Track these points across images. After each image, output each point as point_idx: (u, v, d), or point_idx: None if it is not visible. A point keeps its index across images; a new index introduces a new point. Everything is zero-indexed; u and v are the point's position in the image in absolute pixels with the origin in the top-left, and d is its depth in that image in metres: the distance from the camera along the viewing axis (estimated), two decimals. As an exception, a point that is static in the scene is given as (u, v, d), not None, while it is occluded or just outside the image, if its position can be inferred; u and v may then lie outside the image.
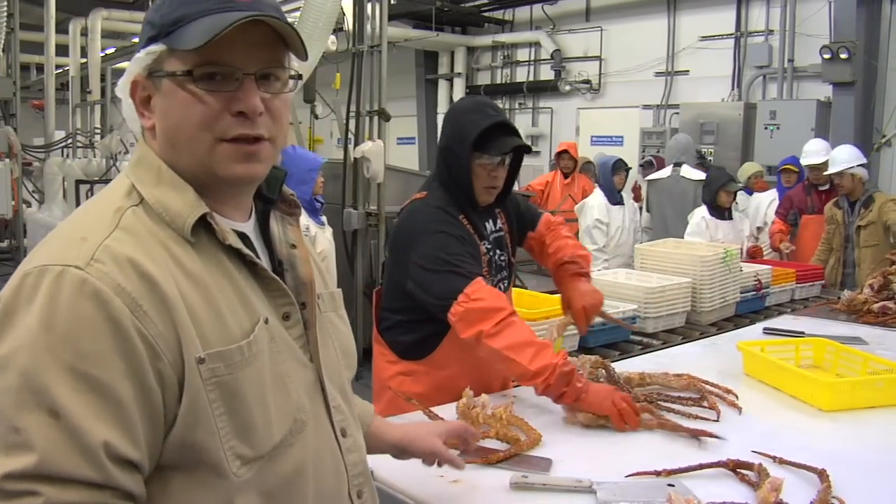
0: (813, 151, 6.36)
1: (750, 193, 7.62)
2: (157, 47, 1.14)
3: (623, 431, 2.19)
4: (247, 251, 1.16)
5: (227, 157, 1.14)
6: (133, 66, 1.16)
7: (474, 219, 2.57)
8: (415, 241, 2.48)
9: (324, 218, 5.18)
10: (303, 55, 1.20)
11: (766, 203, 6.82)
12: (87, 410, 0.95)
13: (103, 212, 1.10)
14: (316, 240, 4.70)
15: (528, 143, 2.59)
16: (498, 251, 2.66)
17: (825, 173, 5.97)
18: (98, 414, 0.96)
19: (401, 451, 1.69)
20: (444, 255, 2.40)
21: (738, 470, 1.91)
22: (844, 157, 5.75)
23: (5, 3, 7.00)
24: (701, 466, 1.93)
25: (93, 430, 0.95)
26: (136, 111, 1.19)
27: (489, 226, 2.64)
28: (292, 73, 1.22)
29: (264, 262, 1.23)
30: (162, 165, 1.16)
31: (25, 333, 0.96)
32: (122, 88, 1.19)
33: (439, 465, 1.70)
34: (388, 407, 2.52)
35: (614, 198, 6.53)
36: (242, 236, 1.20)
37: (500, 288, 2.62)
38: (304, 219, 4.61)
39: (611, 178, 6.51)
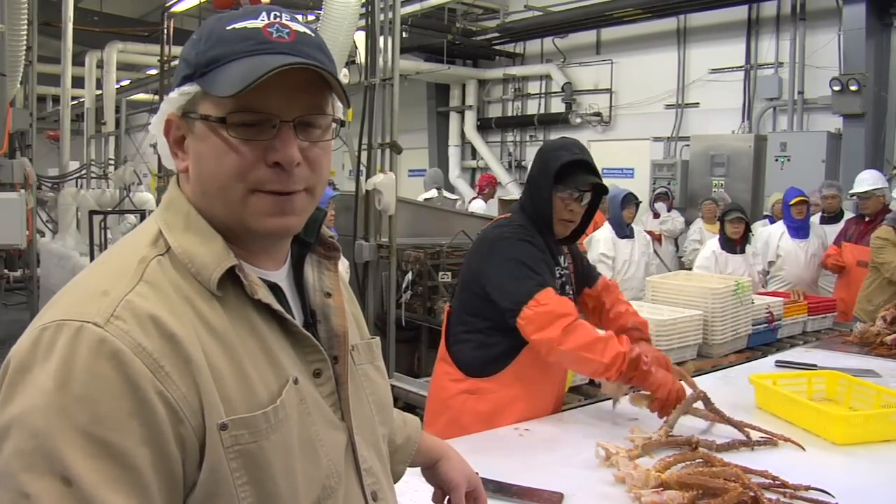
0: (858, 180, 6.45)
1: (772, 222, 7.63)
2: (191, 88, 1.07)
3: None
4: (277, 306, 1.09)
5: (261, 209, 1.07)
6: (167, 106, 1.10)
7: (551, 246, 2.72)
8: (497, 248, 2.64)
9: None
10: (344, 102, 1.13)
11: (776, 236, 6.78)
12: (102, 478, 0.88)
13: (127, 262, 1.04)
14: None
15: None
16: (567, 286, 2.78)
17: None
18: (113, 483, 0.89)
19: (431, 467, 1.63)
20: (525, 261, 2.56)
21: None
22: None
23: (24, 36, 7.09)
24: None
25: (107, 500, 0.88)
26: (169, 151, 1.13)
27: (561, 261, 2.79)
28: (334, 118, 1.14)
29: (296, 313, 1.17)
30: (191, 211, 1.10)
31: (40, 393, 0.90)
32: (157, 126, 1.12)
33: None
34: (445, 429, 2.56)
35: (622, 231, 6.49)
36: (274, 287, 1.13)
37: None
38: None
39: (619, 211, 6.50)
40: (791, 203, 6.74)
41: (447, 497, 1.62)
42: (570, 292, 2.79)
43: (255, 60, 1.03)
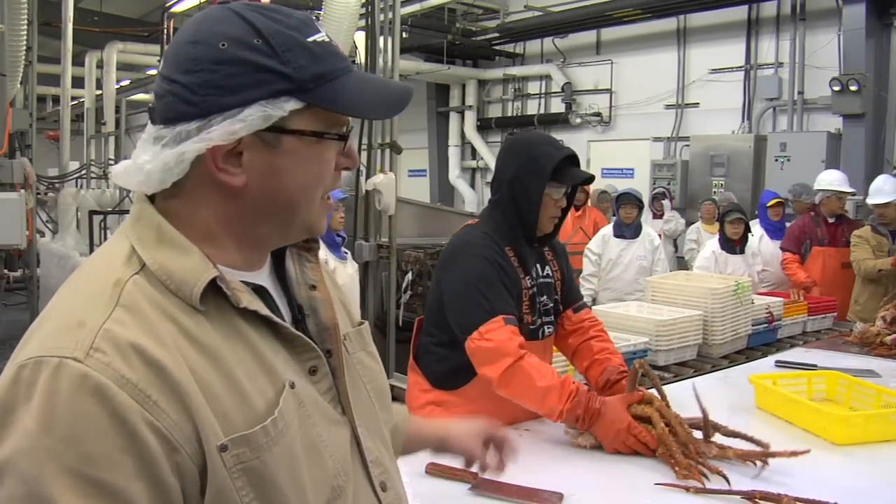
0: (836, 180, 6.37)
1: None
2: (294, 104, 1.03)
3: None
4: (264, 312, 1.06)
5: (323, 211, 1.13)
6: (254, 123, 1.01)
7: (523, 253, 2.58)
8: (454, 263, 2.54)
9: (347, 253, 5.19)
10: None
11: (756, 238, 6.67)
12: None
13: (102, 286, 0.99)
14: (336, 274, 4.72)
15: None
16: (545, 296, 2.66)
17: (871, 203, 5.99)
18: None
19: (441, 447, 1.67)
20: (476, 282, 2.43)
21: (761, 500, 1.91)
22: (891, 188, 5.86)
23: (24, 36, 7.09)
24: (729, 492, 1.95)
25: None
26: (209, 166, 1.03)
27: (538, 268, 2.65)
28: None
29: (283, 311, 1.15)
30: (162, 223, 1.04)
31: (25, 436, 0.87)
32: (222, 137, 1.01)
33: (474, 466, 1.68)
34: None
35: (619, 230, 6.44)
36: (260, 290, 1.11)
37: (543, 332, 2.64)
38: (324, 253, 4.66)
39: (617, 210, 6.50)
40: (769, 205, 6.72)
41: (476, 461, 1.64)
42: (549, 302, 2.68)
43: (366, 79, 1.11)
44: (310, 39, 1.05)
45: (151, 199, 1.08)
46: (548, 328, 2.68)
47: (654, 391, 2.36)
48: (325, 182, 1.10)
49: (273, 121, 1.02)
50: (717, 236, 6.34)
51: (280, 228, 1.11)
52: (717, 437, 2.26)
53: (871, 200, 5.98)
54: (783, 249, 6.46)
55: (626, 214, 6.43)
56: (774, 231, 6.69)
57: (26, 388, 0.90)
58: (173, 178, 1.04)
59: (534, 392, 2.33)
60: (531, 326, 2.58)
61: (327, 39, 1.08)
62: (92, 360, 0.90)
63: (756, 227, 6.82)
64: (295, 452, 1.03)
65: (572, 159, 2.61)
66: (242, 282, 1.08)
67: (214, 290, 1.02)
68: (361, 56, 6.82)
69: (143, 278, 1.00)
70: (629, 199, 6.45)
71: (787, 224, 6.82)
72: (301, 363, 1.11)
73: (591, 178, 2.70)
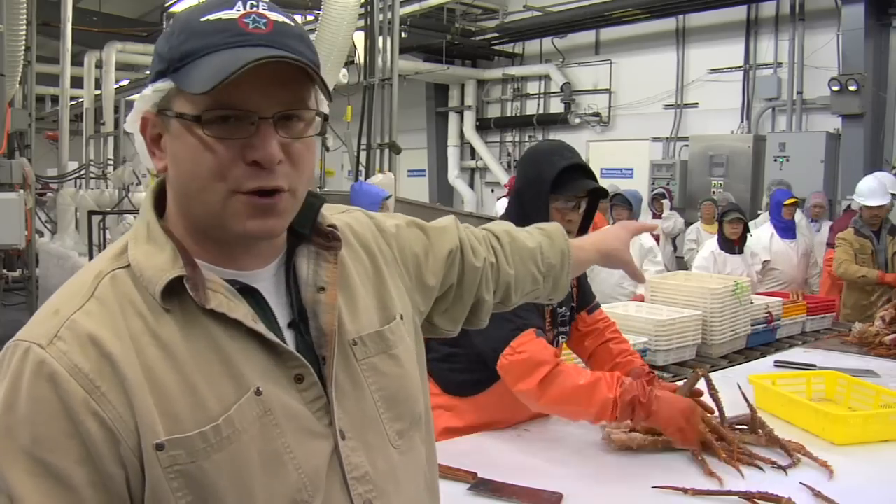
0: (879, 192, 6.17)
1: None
2: (165, 84, 1.01)
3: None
4: (234, 315, 1.02)
5: (241, 210, 1.01)
6: (140, 103, 1.04)
7: None
8: None
9: None
10: (326, 94, 1.07)
11: (766, 237, 6.65)
12: (42, 498, 0.91)
13: (86, 278, 1.03)
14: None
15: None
16: (563, 307, 2.61)
17: (865, 204, 5.94)
18: (52, 500, 0.92)
19: (605, 262, 1.79)
20: None
21: (760, 500, 1.92)
22: (883, 189, 5.87)
23: (23, 36, 7.09)
24: (729, 493, 1.95)
25: None
26: (146, 149, 1.07)
27: None
28: (318, 111, 1.06)
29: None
30: (150, 220, 1.07)
31: None
32: (132, 124, 1.07)
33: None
34: None
35: None
36: (250, 290, 1.07)
37: (557, 342, 2.59)
38: None
39: (611, 213, 6.51)
40: (786, 203, 6.72)
41: None
42: (566, 312, 2.64)
43: (228, 54, 0.97)
44: (203, 19, 1.01)
45: (164, 195, 1.10)
46: (562, 338, 2.65)
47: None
48: (227, 174, 1.00)
49: (151, 102, 1.03)
50: (716, 236, 6.33)
51: (202, 221, 1.05)
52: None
53: (865, 202, 5.93)
54: (831, 245, 6.49)
55: (616, 216, 6.47)
56: (785, 230, 6.68)
57: (4, 368, 0.97)
58: (143, 161, 1.10)
59: (579, 391, 2.21)
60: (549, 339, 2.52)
61: (233, 16, 1.00)
62: (52, 348, 0.96)
63: (766, 226, 6.81)
64: (246, 461, 1.00)
65: (583, 169, 2.46)
66: (230, 280, 1.05)
67: (184, 289, 1.02)
68: (360, 56, 6.82)
69: (127, 274, 1.04)
70: (618, 202, 6.50)
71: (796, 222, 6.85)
72: (286, 370, 1.06)
73: (598, 190, 2.48)
